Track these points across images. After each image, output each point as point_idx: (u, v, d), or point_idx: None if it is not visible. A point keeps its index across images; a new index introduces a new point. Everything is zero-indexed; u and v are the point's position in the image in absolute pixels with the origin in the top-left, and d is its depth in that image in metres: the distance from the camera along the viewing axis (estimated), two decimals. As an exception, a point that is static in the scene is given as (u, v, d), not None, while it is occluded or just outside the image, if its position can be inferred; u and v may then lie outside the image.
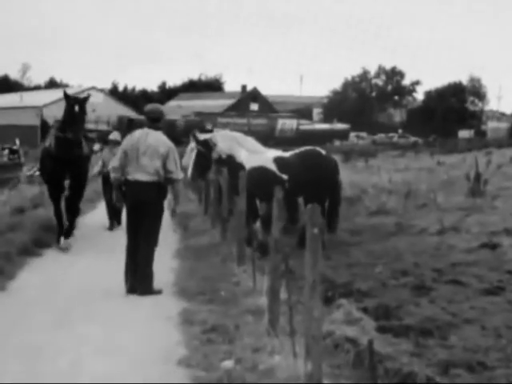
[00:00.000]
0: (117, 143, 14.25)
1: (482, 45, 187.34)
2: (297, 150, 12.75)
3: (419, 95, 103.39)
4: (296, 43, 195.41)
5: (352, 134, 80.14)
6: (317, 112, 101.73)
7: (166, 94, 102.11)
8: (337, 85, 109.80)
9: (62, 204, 12.41)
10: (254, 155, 12.17)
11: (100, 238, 13.92)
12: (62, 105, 12.07)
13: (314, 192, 11.78)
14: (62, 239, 11.98)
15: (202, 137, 12.70)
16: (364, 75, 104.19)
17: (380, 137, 78.69)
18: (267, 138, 48.02)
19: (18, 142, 32.90)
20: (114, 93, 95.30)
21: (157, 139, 9.19)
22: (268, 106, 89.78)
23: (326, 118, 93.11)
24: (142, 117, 9.86)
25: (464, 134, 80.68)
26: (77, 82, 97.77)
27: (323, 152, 12.75)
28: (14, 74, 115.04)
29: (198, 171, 12.55)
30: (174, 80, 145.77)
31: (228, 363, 6.03)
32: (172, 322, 7.62)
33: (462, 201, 17.31)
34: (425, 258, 11.11)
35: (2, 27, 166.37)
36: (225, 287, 8.88)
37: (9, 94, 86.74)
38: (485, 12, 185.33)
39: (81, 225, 14.89)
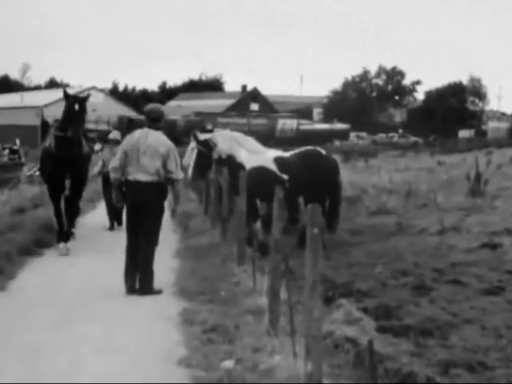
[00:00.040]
0: (117, 143, 14.25)
1: (482, 45, 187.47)
2: (297, 150, 12.75)
3: (419, 95, 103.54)
4: (296, 43, 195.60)
5: (352, 134, 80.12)
6: (317, 112, 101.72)
7: (167, 93, 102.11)
8: (337, 85, 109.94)
9: (62, 204, 12.38)
10: (255, 155, 12.17)
11: (100, 238, 13.92)
12: (63, 105, 12.05)
13: (314, 192, 11.78)
14: (62, 244, 11.92)
15: (203, 137, 12.71)
16: (364, 75, 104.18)
17: (380, 137, 78.67)
18: (267, 138, 48.03)
19: (18, 142, 32.92)
20: (115, 93, 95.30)
21: (157, 139, 9.19)
22: (268, 106, 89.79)
23: (326, 118, 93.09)
24: (142, 117, 9.86)
25: (464, 133, 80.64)
26: (77, 82, 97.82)
27: (323, 152, 12.76)
28: (15, 74, 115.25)
29: (199, 171, 12.55)
30: (175, 80, 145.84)
31: (228, 363, 6.03)
32: (172, 322, 7.62)
33: (463, 201, 17.31)
34: (425, 257, 11.11)
35: (2, 27, 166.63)
36: (225, 287, 8.88)
37: (9, 94, 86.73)
38: (485, 12, 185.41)
39: (81, 225, 14.89)
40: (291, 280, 6.75)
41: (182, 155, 11.59)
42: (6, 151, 30.78)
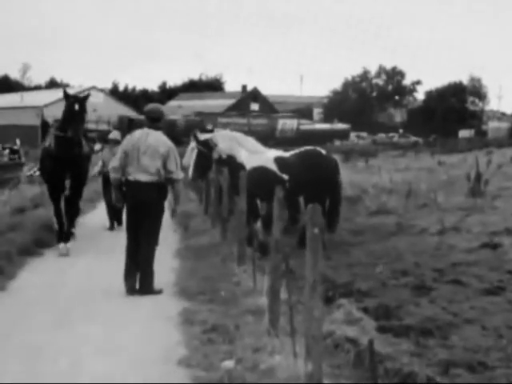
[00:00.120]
0: (117, 142, 14.25)
1: (482, 45, 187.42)
2: (297, 150, 12.75)
3: (420, 95, 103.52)
4: (296, 43, 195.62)
5: (352, 134, 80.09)
6: (317, 112, 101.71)
7: (167, 93, 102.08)
8: (337, 85, 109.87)
9: (62, 204, 12.37)
10: (255, 155, 12.17)
11: (100, 239, 13.92)
12: (63, 105, 12.03)
13: (315, 192, 11.78)
14: (62, 244, 11.90)
15: (203, 137, 12.70)
16: (364, 75, 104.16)
17: (380, 137, 78.66)
18: (268, 138, 48.02)
19: (18, 142, 32.90)
20: (115, 93, 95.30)
21: (157, 139, 9.19)
22: (268, 106, 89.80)
23: (327, 118, 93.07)
24: (142, 117, 9.87)
25: (464, 133, 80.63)
26: (77, 82, 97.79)
27: (323, 152, 12.76)
28: (15, 74, 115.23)
29: (199, 171, 12.54)
30: (175, 80, 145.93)
31: (228, 363, 6.03)
32: (172, 322, 7.62)
33: (463, 201, 17.30)
34: (425, 257, 11.11)
35: (2, 27, 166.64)
36: (225, 287, 8.88)
37: (9, 93, 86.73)
38: (485, 12, 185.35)
39: (81, 225, 14.89)
40: (291, 280, 6.75)
41: (182, 155, 11.59)
42: (7, 151, 30.76)
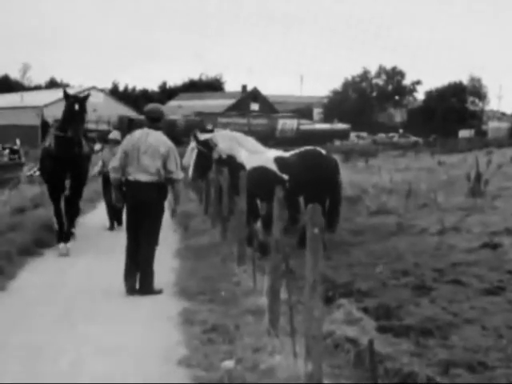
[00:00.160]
0: (117, 142, 14.24)
1: (483, 45, 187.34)
2: (297, 150, 12.75)
3: (420, 95, 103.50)
4: (296, 43, 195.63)
5: (352, 134, 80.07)
6: (317, 112, 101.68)
7: (167, 93, 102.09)
8: (337, 85, 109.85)
9: (62, 204, 12.36)
10: (255, 155, 12.17)
11: (100, 239, 13.92)
12: (63, 105, 12.02)
13: (315, 192, 11.78)
14: (62, 244, 11.89)
15: (203, 137, 12.70)
16: (364, 75, 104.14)
17: (380, 137, 78.63)
18: (268, 138, 48.01)
19: (18, 142, 32.90)
20: (115, 93, 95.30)
21: (157, 139, 9.19)
22: (268, 106, 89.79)
23: (327, 118, 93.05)
24: (142, 117, 9.88)
25: (464, 133, 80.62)
26: (77, 82, 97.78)
27: (323, 152, 12.76)
28: (15, 74, 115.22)
29: (199, 171, 12.54)
30: (175, 80, 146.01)
31: (228, 363, 6.03)
32: (172, 322, 7.62)
33: (463, 201, 17.30)
34: (425, 257, 11.11)
35: (2, 27, 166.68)
36: (225, 287, 8.87)
37: (9, 93, 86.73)
38: (485, 12, 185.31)
39: (81, 225, 14.88)
40: (291, 280, 6.75)
41: (181, 155, 11.58)
42: (7, 151, 30.75)
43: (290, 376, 5.54)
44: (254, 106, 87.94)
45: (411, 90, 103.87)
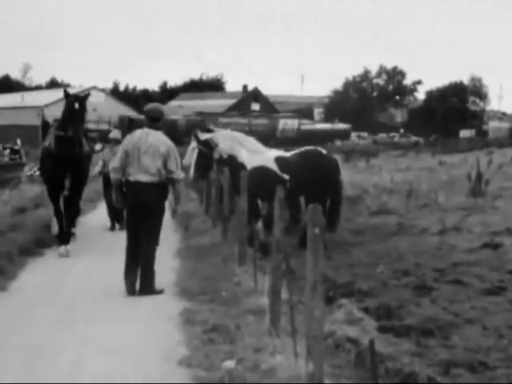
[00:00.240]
0: (117, 142, 14.23)
1: (483, 44, 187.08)
2: (298, 150, 12.75)
3: (420, 95, 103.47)
4: (296, 43, 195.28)
5: (353, 134, 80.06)
6: (318, 112, 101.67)
7: (167, 93, 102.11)
8: (338, 85, 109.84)
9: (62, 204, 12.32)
10: (256, 155, 12.17)
11: (101, 239, 13.91)
12: (63, 104, 12.00)
13: (315, 192, 11.77)
14: (62, 246, 11.85)
15: (204, 136, 12.68)
16: (365, 75, 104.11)
17: (381, 137, 78.61)
18: (268, 138, 48.01)
19: (19, 141, 32.86)
20: (115, 92, 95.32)
21: (157, 139, 9.18)
22: (269, 106, 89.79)
23: (327, 118, 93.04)
24: (142, 117, 9.88)
25: (465, 133, 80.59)
26: (78, 82, 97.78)
27: (324, 152, 12.76)
28: (15, 74, 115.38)
29: (200, 171, 12.53)
30: (175, 80, 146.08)
31: (229, 363, 6.03)
32: (173, 322, 7.62)
33: (464, 201, 17.30)
34: (426, 257, 11.10)
35: (2, 27, 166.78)
36: (226, 287, 8.87)
37: (10, 93, 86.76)
38: (485, 12, 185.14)
39: (82, 225, 14.89)
40: (292, 280, 6.75)
41: (182, 155, 11.58)
42: (7, 151, 30.72)
43: (291, 376, 5.54)
44: (255, 106, 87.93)
45: (412, 90, 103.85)
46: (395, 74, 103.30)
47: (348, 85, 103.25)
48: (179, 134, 42.72)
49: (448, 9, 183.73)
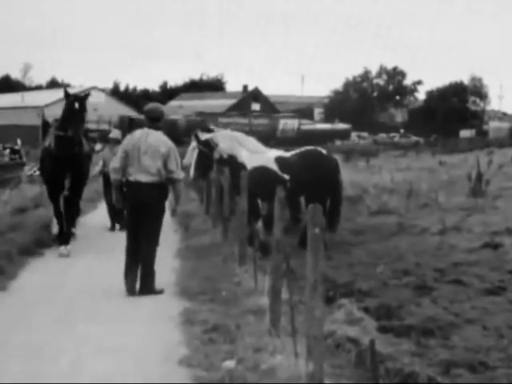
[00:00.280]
0: (117, 142, 14.21)
1: (483, 44, 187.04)
2: (298, 150, 12.75)
3: (421, 95, 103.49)
4: (297, 43, 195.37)
5: (353, 134, 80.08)
6: (318, 112, 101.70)
7: (168, 93, 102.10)
8: (338, 85, 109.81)
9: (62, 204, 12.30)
10: (256, 155, 12.16)
11: (101, 239, 13.90)
12: (63, 104, 11.98)
13: (315, 192, 11.77)
14: (62, 246, 11.84)
15: (204, 136, 12.67)
16: (365, 75, 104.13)
17: (381, 137, 78.62)
18: (269, 138, 47.99)
19: (19, 141, 32.86)
20: (116, 92, 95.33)
21: (157, 139, 9.17)
22: (269, 106, 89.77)
23: (328, 118, 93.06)
24: (143, 116, 9.88)
25: (465, 133, 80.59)
26: (78, 82, 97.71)
27: (324, 152, 12.76)
28: (16, 74, 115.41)
29: (200, 171, 12.52)
30: (176, 80, 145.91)
31: (229, 363, 6.03)
32: (173, 322, 7.62)
33: (464, 201, 17.30)
34: (426, 257, 11.10)
35: (2, 27, 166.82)
36: (226, 287, 8.87)
37: (10, 93, 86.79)
38: (485, 12, 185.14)
39: (82, 225, 14.88)
40: (292, 280, 6.75)
41: (182, 155, 11.57)
42: (7, 151, 30.73)
43: (291, 376, 5.54)
44: (255, 106, 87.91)
45: (412, 90, 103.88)
46: (395, 74, 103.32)
47: (348, 85, 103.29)
48: (179, 134, 42.70)
49: (448, 9, 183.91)
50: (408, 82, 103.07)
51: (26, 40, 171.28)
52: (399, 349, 6.52)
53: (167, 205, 9.59)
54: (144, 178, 9.06)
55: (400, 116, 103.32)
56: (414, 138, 74.40)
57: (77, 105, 11.56)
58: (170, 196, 9.63)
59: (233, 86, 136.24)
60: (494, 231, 12.83)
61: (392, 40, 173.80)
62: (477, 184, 18.33)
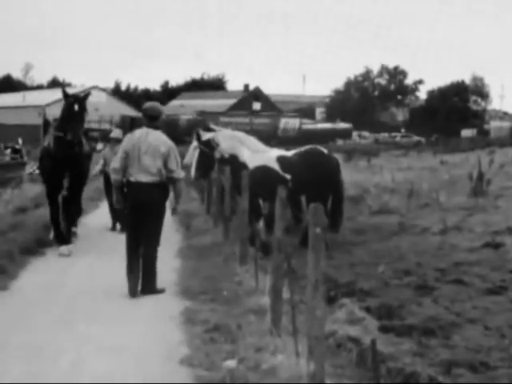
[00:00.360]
0: (118, 141, 14.17)
1: (483, 44, 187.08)
2: (299, 149, 12.74)
3: (422, 94, 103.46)
4: (297, 43, 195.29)
5: (354, 134, 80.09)
6: (319, 111, 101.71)
7: (169, 93, 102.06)
8: (339, 84, 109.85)
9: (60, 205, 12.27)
10: (257, 154, 12.16)
11: (102, 238, 13.89)
12: (62, 105, 11.91)
13: (317, 191, 11.76)
14: (63, 246, 11.82)
15: (206, 136, 12.65)
16: (367, 74, 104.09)
17: (383, 136, 78.59)
18: (270, 138, 48.02)
19: (20, 141, 32.90)
20: (117, 92, 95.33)
21: (157, 138, 9.15)
22: (270, 106, 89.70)
23: (329, 118, 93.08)
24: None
25: (467, 133, 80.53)
26: (79, 82, 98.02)
27: (325, 151, 12.76)
28: (17, 74, 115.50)
29: (201, 170, 12.52)
30: (177, 79, 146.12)
31: (230, 363, 6.03)
32: (174, 322, 7.61)
33: (465, 200, 17.29)
34: (427, 257, 11.09)
35: (3, 27, 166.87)
36: (227, 287, 8.87)
37: (12, 93, 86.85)
38: (485, 12, 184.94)
39: (83, 225, 14.87)
40: (293, 279, 6.74)
41: (182, 155, 11.55)
42: (9, 150, 30.76)
43: (292, 376, 5.54)
44: (256, 106, 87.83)
45: (413, 90, 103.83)
46: (397, 74, 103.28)
47: (349, 84, 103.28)
48: (180, 134, 42.70)
49: (448, 9, 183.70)
50: (409, 81, 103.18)
51: (27, 40, 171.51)
52: (400, 348, 6.52)
53: (168, 204, 9.58)
54: (144, 178, 9.05)
55: (401, 115, 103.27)
56: (415, 138, 74.39)
57: (76, 106, 11.43)
58: (171, 195, 9.62)
59: (234, 85, 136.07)
60: (495, 231, 12.82)
61: (392, 40, 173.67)
62: (478, 183, 18.32)
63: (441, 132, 77.21)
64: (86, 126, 12.45)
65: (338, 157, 15.32)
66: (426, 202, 17.51)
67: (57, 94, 61.67)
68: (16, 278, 9.76)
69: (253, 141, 12.56)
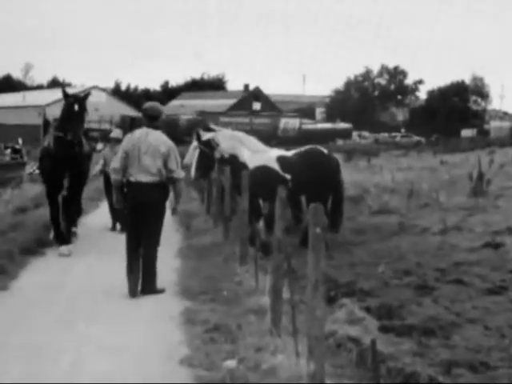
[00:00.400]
0: (118, 141, 14.17)
1: (484, 44, 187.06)
2: (299, 149, 12.74)
3: (422, 94, 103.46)
4: (297, 43, 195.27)
5: (354, 134, 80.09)
6: (319, 111, 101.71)
7: (169, 93, 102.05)
8: (339, 84, 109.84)
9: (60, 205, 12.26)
10: (257, 154, 12.16)
11: (102, 238, 13.88)
12: (62, 105, 11.90)
13: (317, 191, 11.76)
14: (63, 246, 11.81)
15: (206, 136, 12.65)
16: (367, 74, 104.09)
17: (382, 136, 78.59)
18: (270, 138, 48.01)
19: (20, 141, 32.89)
20: (117, 92, 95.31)
21: (157, 138, 9.14)
22: (270, 106, 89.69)
23: (329, 118, 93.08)
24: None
25: (467, 133, 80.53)
26: (79, 82, 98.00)
27: (325, 151, 12.76)
28: (17, 74, 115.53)
29: (201, 170, 12.51)
30: (177, 79, 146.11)
31: (230, 363, 6.03)
32: (174, 322, 7.61)
33: (465, 200, 17.29)
34: (427, 257, 11.09)
35: (3, 27, 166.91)
36: (227, 287, 8.87)
37: (12, 93, 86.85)
38: (485, 12, 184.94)
39: (83, 225, 14.87)
40: (293, 279, 6.74)
41: (182, 155, 11.55)
42: (9, 150, 30.76)
43: (292, 376, 5.54)
44: (256, 106, 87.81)
45: (413, 90, 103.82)
46: (397, 74, 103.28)
47: (349, 84, 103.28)
48: (180, 134, 42.71)
49: (448, 9, 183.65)
50: (409, 81, 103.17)
51: (27, 40, 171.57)
52: (400, 348, 6.52)
53: (168, 204, 9.58)
54: (145, 178, 9.04)
55: (401, 115, 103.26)
56: (415, 138, 74.39)
57: (76, 106, 11.43)
58: (171, 195, 9.61)
59: (234, 85, 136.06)
60: (495, 231, 12.82)
61: (392, 40, 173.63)
62: (478, 183, 18.32)
63: (441, 132, 77.19)
64: (86, 126, 12.44)
65: (338, 157, 15.32)
66: (426, 201, 17.50)
67: (57, 94, 61.62)
68: (16, 278, 9.76)
69: (253, 141, 12.56)
